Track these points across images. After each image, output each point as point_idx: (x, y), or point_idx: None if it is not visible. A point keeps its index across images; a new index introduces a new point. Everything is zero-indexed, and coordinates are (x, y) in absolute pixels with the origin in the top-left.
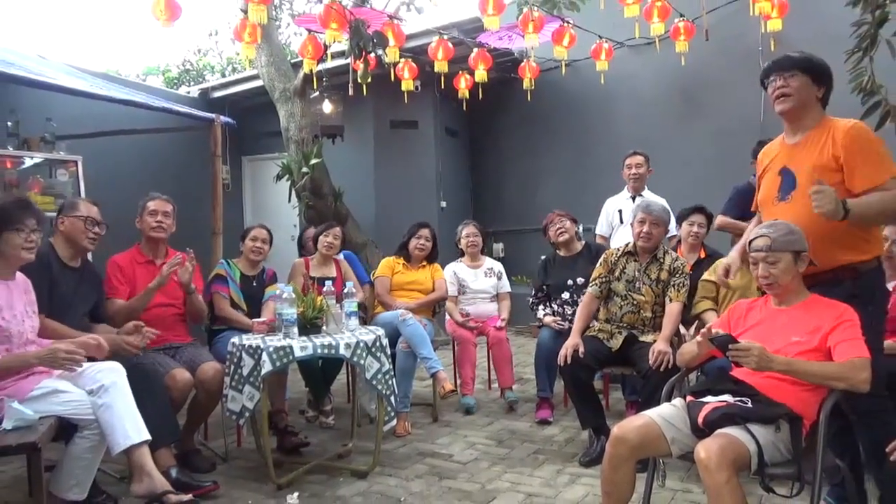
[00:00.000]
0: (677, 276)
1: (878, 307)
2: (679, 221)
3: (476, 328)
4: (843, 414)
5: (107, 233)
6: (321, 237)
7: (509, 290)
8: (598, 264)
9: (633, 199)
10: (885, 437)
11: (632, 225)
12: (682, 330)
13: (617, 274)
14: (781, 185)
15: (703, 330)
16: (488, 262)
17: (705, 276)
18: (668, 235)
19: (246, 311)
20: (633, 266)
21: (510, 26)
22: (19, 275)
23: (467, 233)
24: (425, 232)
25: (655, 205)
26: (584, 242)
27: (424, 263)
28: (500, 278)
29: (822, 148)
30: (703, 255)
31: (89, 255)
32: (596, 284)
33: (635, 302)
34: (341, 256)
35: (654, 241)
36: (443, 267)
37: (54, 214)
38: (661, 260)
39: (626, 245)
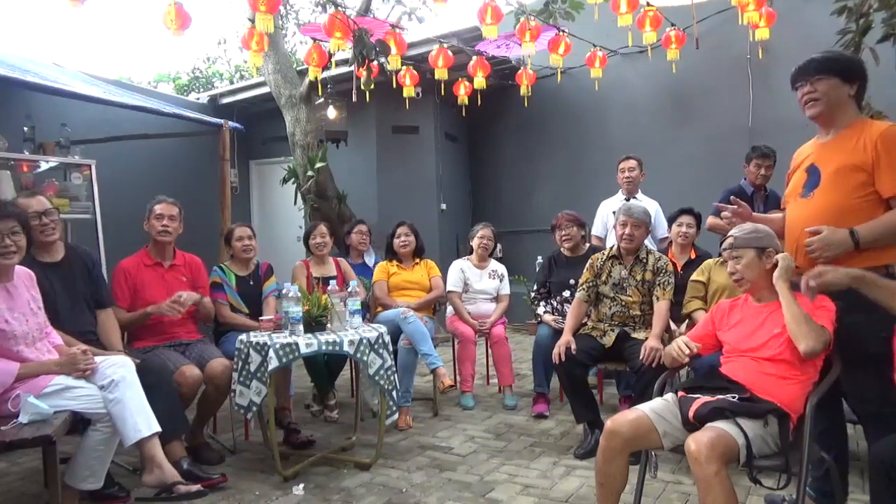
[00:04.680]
0: (662, 275)
1: (885, 314)
2: (669, 223)
3: (483, 329)
4: (831, 412)
5: (120, 234)
6: (310, 240)
7: (508, 292)
8: (584, 269)
9: (628, 201)
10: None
11: (614, 228)
12: (673, 326)
13: (604, 278)
14: (806, 182)
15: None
16: (493, 264)
17: (694, 276)
18: (660, 237)
19: (247, 312)
20: (619, 269)
21: (508, 35)
22: (19, 270)
23: (482, 234)
24: (403, 229)
25: (636, 207)
26: (589, 245)
27: (417, 261)
28: (501, 280)
29: (854, 148)
30: (693, 255)
31: (102, 253)
32: (583, 289)
33: (623, 303)
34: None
35: (636, 243)
36: (444, 265)
37: (67, 216)
38: (645, 261)
39: (611, 249)
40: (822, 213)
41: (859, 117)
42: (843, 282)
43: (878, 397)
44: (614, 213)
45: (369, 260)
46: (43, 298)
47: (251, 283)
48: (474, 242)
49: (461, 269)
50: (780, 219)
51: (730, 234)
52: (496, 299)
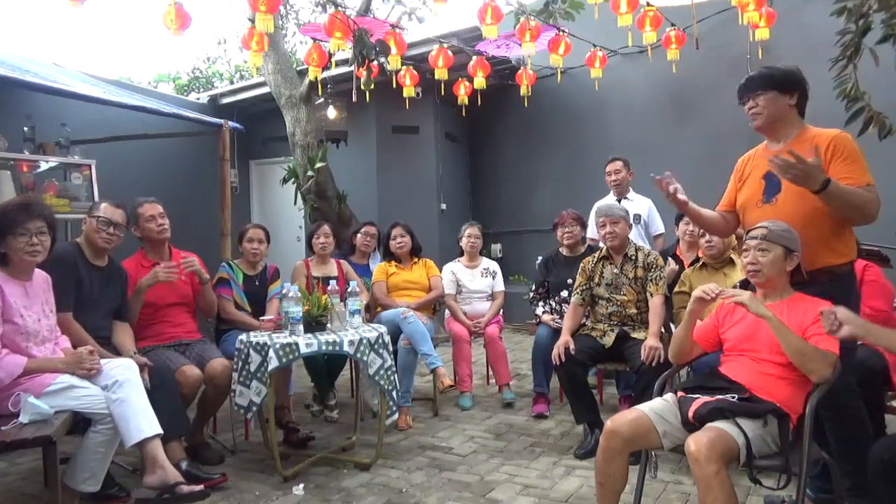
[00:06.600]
0: (653, 270)
1: (852, 307)
2: (676, 222)
3: (478, 329)
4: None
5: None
6: (313, 240)
7: (502, 289)
8: (577, 274)
9: (619, 202)
10: (855, 431)
11: (597, 233)
12: (674, 329)
13: (596, 280)
14: (766, 188)
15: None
16: (485, 262)
17: (677, 289)
18: (654, 234)
19: (250, 311)
20: (610, 269)
21: (508, 35)
22: (38, 273)
23: (469, 233)
24: (398, 230)
25: (610, 206)
26: (587, 245)
27: (416, 260)
28: (494, 277)
29: (808, 153)
30: (701, 253)
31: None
32: (578, 293)
33: (619, 302)
34: (375, 257)
35: (620, 238)
36: (442, 266)
37: (67, 216)
38: (635, 258)
39: (601, 251)
40: (791, 215)
41: (805, 125)
42: (855, 331)
43: (840, 388)
44: None
45: (374, 262)
46: (78, 289)
47: (257, 283)
48: (463, 242)
49: (452, 272)
50: (714, 216)
51: (762, 224)
52: (492, 297)
